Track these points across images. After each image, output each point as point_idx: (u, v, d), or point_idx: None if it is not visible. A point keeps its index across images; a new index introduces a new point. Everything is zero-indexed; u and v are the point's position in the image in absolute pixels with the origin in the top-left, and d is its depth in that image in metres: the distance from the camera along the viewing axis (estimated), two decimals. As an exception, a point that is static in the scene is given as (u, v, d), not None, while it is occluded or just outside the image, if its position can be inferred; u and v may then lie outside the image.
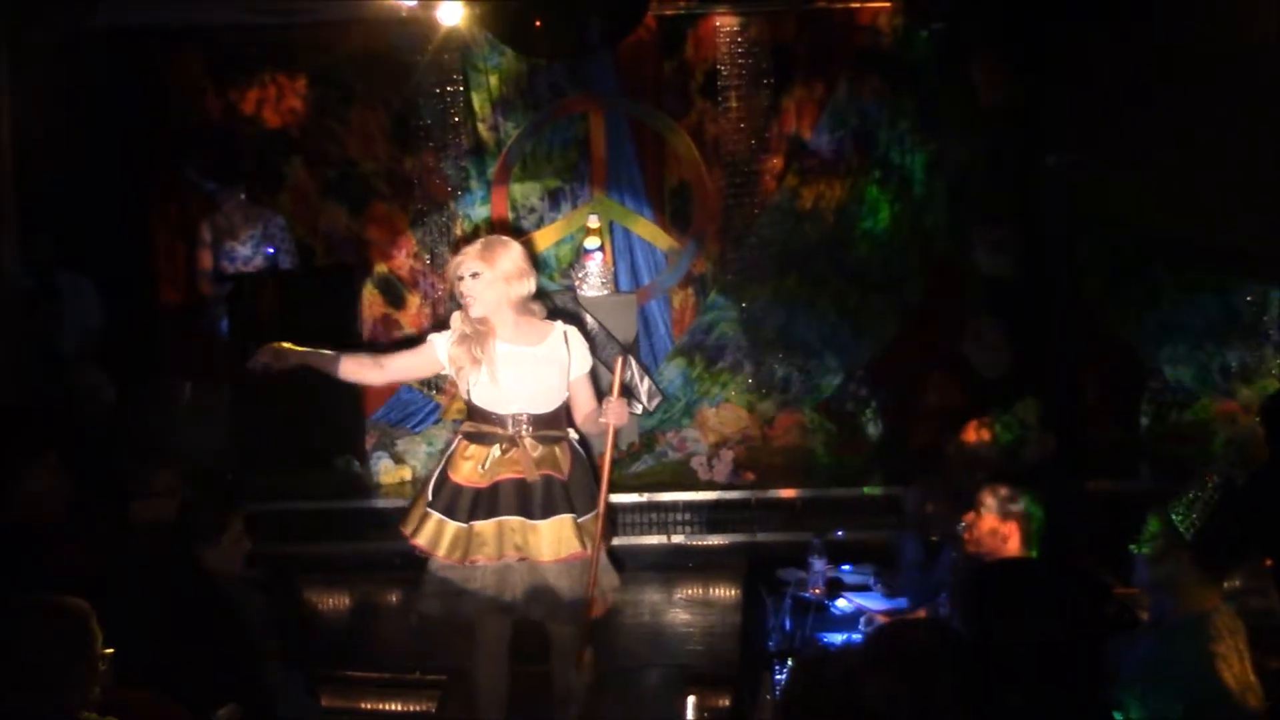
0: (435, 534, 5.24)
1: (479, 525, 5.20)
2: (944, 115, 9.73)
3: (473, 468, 5.25)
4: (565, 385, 5.31)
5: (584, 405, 5.36)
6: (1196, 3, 7.79)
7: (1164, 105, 7.90)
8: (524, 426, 5.23)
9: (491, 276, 5.18)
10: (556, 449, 5.28)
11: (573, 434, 5.41)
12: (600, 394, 5.37)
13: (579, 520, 5.23)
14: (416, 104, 9.98)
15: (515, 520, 5.19)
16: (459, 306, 5.28)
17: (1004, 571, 4.47)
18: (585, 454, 5.45)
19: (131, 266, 9.79)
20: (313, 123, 10.00)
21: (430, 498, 5.31)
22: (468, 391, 5.28)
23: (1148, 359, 9.57)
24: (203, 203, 9.60)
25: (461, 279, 5.21)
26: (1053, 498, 5.25)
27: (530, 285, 5.27)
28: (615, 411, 5.18)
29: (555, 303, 7.22)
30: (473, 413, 5.32)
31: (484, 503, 5.21)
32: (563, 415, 5.36)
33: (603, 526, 5.25)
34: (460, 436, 5.37)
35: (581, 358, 5.35)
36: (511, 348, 5.23)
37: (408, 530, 5.31)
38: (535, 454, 5.22)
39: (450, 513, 5.23)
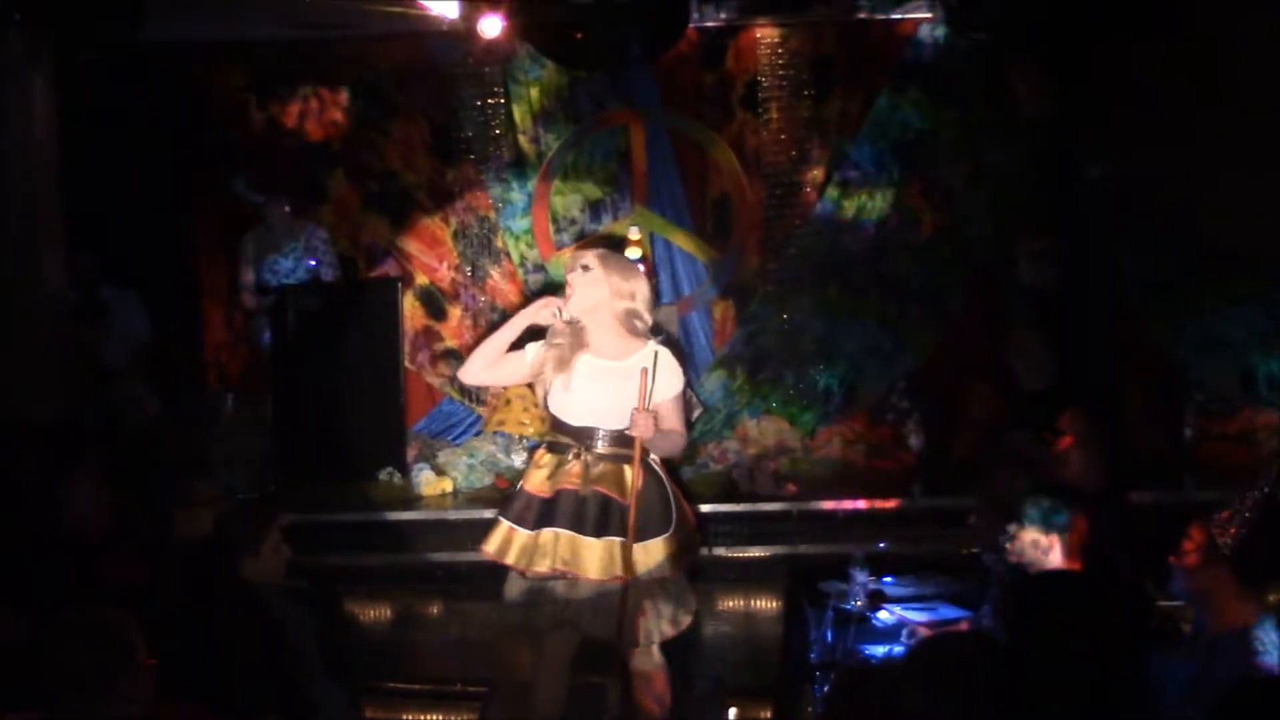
0: (504, 542, 5.17)
1: (539, 535, 5.12)
2: (985, 126, 9.71)
3: (542, 477, 5.19)
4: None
5: (669, 428, 5.20)
6: (1238, 12, 7.75)
7: (1205, 115, 7.86)
8: (595, 440, 5.17)
9: (598, 276, 5.12)
10: (626, 469, 5.13)
11: (656, 457, 5.26)
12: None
13: (624, 543, 5.05)
14: (457, 116, 10.03)
15: (566, 534, 5.09)
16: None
17: (1046, 583, 4.43)
18: (666, 479, 5.26)
19: (175, 280, 9.86)
20: (354, 135, 10.07)
21: (506, 506, 5.28)
22: (544, 398, 5.24)
23: (1190, 370, 9.51)
24: (246, 216, 9.67)
25: (573, 270, 5.17)
26: (1095, 509, 5.21)
27: (635, 304, 5.18)
28: (640, 424, 5.02)
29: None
30: (551, 421, 5.29)
31: (545, 512, 5.13)
32: None
33: (630, 553, 5.05)
34: (543, 445, 5.34)
35: (667, 380, 5.17)
36: (593, 360, 5.17)
37: (486, 539, 5.27)
38: (595, 470, 5.13)
39: (520, 521, 5.16)
